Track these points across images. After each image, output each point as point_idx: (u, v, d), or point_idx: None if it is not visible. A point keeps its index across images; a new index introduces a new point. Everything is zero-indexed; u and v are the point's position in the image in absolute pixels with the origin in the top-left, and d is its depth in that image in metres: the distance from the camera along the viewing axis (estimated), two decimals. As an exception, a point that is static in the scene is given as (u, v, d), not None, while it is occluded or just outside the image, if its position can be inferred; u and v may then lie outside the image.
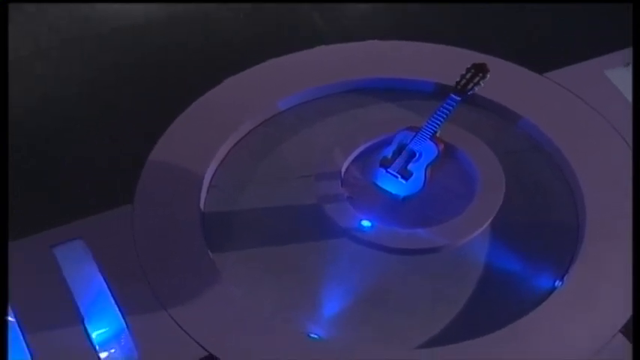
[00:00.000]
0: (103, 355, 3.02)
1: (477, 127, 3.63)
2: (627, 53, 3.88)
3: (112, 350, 3.07)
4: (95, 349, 3.01)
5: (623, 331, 2.93)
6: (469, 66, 3.18)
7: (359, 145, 3.40)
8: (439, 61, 3.91)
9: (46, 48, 4.03)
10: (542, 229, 3.43)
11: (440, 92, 3.67)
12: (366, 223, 3.16)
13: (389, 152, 3.20)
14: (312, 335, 3.08)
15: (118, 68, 4.03)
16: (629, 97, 3.71)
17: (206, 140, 3.64)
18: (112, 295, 3.15)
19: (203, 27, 4.34)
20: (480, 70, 3.14)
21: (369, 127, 3.50)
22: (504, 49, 3.82)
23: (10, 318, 3.02)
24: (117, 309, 3.12)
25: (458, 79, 3.17)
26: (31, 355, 2.99)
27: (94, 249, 3.27)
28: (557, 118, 3.69)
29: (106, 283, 3.18)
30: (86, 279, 3.23)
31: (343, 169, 3.35)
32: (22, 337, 3.04)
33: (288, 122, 3.83)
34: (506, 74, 3.76)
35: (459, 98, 3.13)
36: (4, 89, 3.16)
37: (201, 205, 3.45)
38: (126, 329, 3.07)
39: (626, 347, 2.88)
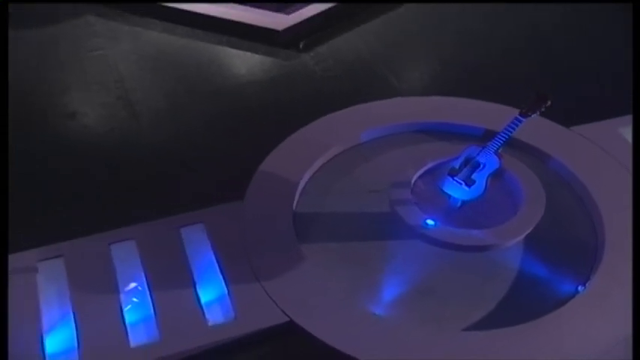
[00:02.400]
0: (208, 314, 2.74)
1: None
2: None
3: (215, 311, 2.78)
4: (202, 309, 2.76)
5: None
6: (535, 95, 2.85)
7: (424, 165, 3.07)
8: (481, 112, 3.65)
9: (183, 103, 3.90)
10: (568, 244, 3.10)
11: (483, 135, 3.44)
12: (430, 222, 2.83)
13: (457, 164, 2.87)
14: (374, 313, 2.78)
15: (240, 109, 3.86)
16: None
17: (302, 158, 3.40)
18: (220, 268, 2.92)
19: (301, 82, 4.11)
20: (542, 99, 2.78)
21: (431, 154, 3.16)
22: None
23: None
24: (222, 279, 2.88)
25: (524, 106, 2.86)
26: (155, 310, 2.72)
27: (210, 232, 3.05)
28: (580, 159, 3.40)
29: (216, 259, 2.94)
30: (201, 254, 2.97)
31: (412, 181, 3.01)
32: (148, 296, 2.78)
33: (368, 149, 3.54)
34: (540, 126, 3.39)
35: (523, 119, 2.78)
36: (4, 89, 2.83)
37: (294, 206, 3.20)
38: (227, 295, 2.82)
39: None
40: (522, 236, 2.86)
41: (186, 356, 2.64)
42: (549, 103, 2.72)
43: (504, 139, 2.80)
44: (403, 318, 2.78)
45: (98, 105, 3.80)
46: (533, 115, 2.75)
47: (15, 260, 2.88)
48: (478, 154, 2.82)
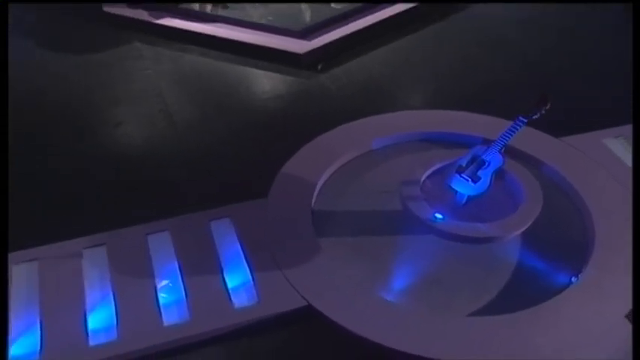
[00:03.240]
0: (234, 298, 2.65)
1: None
2: (617, 130, 3.54)
3: (240, 296, 2.68)
4: (229, 293, 2.68)
5: (627, 317, 2.52)
6: (537, 97, 2.74)
7: (432, 166, 2.97)
8: (476, 123, 3.55)
9: (214, 115, 3.86)
10: (562, 240, 2.99)
11: (480, 143, 3.29)
12: (438, 215, 2.73)
13: (464, 162, 2.77)
14: (385, 299, 2.67)
15: (264, 120, 3.80)
16: (619, 155, 3.39)
17: (320, 163, 3.32)
18: (245, 257, 2.83)
19: (319, 98, 4.05)
20: (543, 101, 2.67)
21: (436, 158, 3.05)
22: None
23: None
24: (247, 267, 2.80)
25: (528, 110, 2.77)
26: (186, 293, 2.65)
27: (236, 225, 2.97)
28: (570, 165, 3.30)
29: (241, 249, 2.86)
30: (228, 246, 2.89)
31: (422, 180, 2.92)
32: (180, 281, 2.71)
33: (378, 155, 3.46)
34: (534, 136, 3.36)
35: (525, 120, 2.67)
36: (4, 89, 2.68)
37: (312, 204, 3.11)
38: (251, 281, 2.73)
39: (629, 330, 2.47)
40: (522, 229, 2.75)
41: (213, 336, 2.57)
42: (549, 105, 2.61)
43: (508, 139, 2.70)
44: (413, 304, 2.68)
45: (142, 116, 3.80)
46: (534, 117, 2.64)
47: (63, 247, 2.85)
48: (484, 152, 2.72)
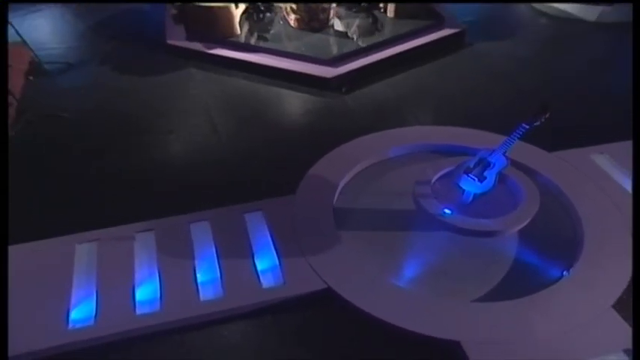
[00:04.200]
0: (262, 279, 2.60)
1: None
2: (602, 147, 3.42)
3: (268, 277, 2.63)
4: (258, 275, 2.63)
5: (614, 306, 2.43)
6: (538, 106, 2.54)
7: (441, 170, 2.84)
8: (478, 138, 3.40)
9: (252, 126, 3.81)
10: (555, 239, 2.85)
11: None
12: (447, 211, 2.61)
13: (471, 163, 2.64)
14: (397, 285, 2.57)
15: (295, 132, 3.73)
16: (605, 169, 3.25)
17: (341, 167, 3.25)
18: (274, 245, 2.78)
19: (342, 115, 3.95)
20: (543, 110, 2.49)
21: (444, 164, 2.90)
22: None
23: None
24: (275, 253, 2.74)
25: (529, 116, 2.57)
26: (221, 274, 2.62)
27: (267, 217, 2.92)
28: (562, 176, 3.18)
29: (271, 238, 2.81)
30: (259, 234, 2.84)
31: (432, 181, 2.80)
32: (216, 263, 2.67)
33: (393, 162, 3.36)
34: (530, 151, 3.26)
35: (527, 127, 2.50)
36: (3, 90, 2.48)
37: (334, 202, 3.03)
38: (278, 266, 2.68)
39: (615, 318, 2.38)
40: (522, 225, 2.62)
41: (244, 312, 2.51)
42: (548, 114, 2.46)
43: (511, 144, 2.58)
44: (422, 291, 2.57)
45: (190, 125, 3.80)
46: (535, 124, 2.48)
47: (119, 231, 2.85)
48: (489, 155, 2.61)
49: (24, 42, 4.38)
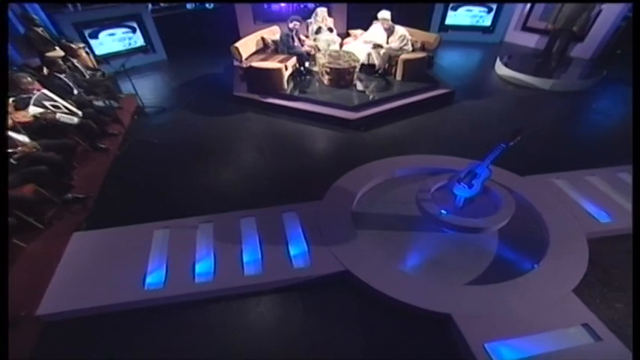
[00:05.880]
0: (294, 262, 2.53)
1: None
2: (560, 174, 3.28)
3: (299, 260, 2.54)
4: (290, 259, 2.57)
5: (574, 290, 2.36)
6: (513, 131, 2.47)
7: (438, 183, 2.75)
8: (466, 164, 3.03)
9: (289, 153, 3.81)
10: (527, 240, 2.73)
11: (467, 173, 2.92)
12: (443, 212, 2.51)
13: (462, 174, 2.57)
14: (404, 271, 2.44)
15: (322, 160, 3.70)
16: (563, 189, 3.12)
17: (358, 182, 3.19)
18: (304, 236, 2.72)
19: (360, 147, 3.85)
20: (517, 133, 2.42)
21: (439, 179, 2.79)
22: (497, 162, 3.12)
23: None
24: (305, 242, 2.68)
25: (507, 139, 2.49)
26: (261, 256, 2.57)
27: (300, 216, 2.88)
28: (532, 193, 3.03)
29: (302, 232, 2.76)
30: (293, 228, 2.79)
31: (432, 190, 2.71)
32: (258, 248, 2.63)
33: (400, 180, 3.28)
34: (506, 175, 3.15)
35: (504, 145, 2.43)
36: (3, 90, 2.01)
37: (353, 207, 2.96)
38: (307, 252, 2.61)
39: (575, 300, 2.32)
40: (502, 224, 2.49)
41: (277, 286, 2.47)
42: (520, 137, 2.37)
43: (493, 159, 2.48)
44: (422, 276, 2.43)
45: (246, 150, 3.88)
46: (511, 144, 2.39)
47: (186, 222, 2.88)
48: (476, 167, 2.53)
49: (136, 93, 4.74)
